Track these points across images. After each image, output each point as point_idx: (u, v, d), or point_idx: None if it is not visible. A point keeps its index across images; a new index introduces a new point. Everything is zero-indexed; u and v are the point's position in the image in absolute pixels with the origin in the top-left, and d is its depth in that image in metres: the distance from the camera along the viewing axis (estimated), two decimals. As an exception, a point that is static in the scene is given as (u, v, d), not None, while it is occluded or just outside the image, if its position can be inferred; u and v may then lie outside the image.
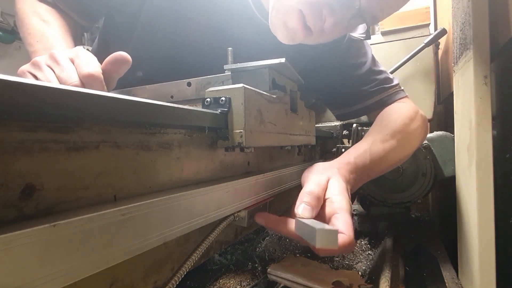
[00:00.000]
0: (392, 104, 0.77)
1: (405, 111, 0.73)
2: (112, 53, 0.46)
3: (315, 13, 0.55)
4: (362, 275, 0.54)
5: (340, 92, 0.81)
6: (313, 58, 0.78)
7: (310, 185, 0.47)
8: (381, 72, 0.80)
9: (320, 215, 0.45)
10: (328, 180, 0.50)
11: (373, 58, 0.81)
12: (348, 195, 0.49)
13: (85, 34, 2.88)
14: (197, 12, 0.68)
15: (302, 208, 0.43)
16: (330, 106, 0.94)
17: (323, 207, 0.46)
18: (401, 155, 0.68)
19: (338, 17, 0.56)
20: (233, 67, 0.48)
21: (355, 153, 0.61)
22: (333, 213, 0.44)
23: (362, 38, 0.64)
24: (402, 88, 0.80)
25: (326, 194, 0.47)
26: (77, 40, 0.69)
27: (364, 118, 1.06)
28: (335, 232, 0.35)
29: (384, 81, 0.79)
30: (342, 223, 0.42)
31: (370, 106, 0.78)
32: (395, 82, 0.80)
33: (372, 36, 1.21)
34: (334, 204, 0.45)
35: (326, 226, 0.37)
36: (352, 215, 0.46)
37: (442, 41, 1.17)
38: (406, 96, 0.79)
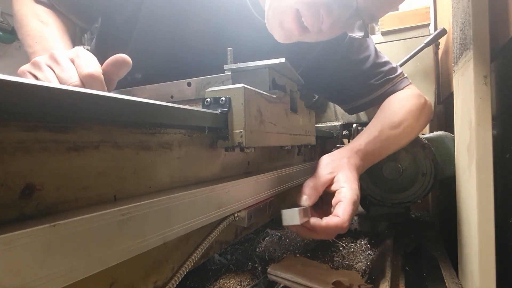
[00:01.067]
0: (396, 92, 0.79)
1: (411, 98, 0.76)
2: (111, 53, 0.46)
3: (313, 13, 0.55)
4: (362, 275, 0.54)
5: (346, 88, 0.83)
6: (314, 58, 0.78)
7: (310, 178, 0.54)
8: (385, 63, 0.81)
9: (329, 204, 0.52)
10: (332, 172, 0.55)
11: (375, 50, 0.81)
12: (356, 184, 0.54)
13: (85, 34, 2.88)
14: (196, 12, 0.68)
15: (299, 197, 0.51)
16: (338, 103, 0.96)
17: (332, 197, 0.52)
18: (406, 140, 0.73)
19: (335, 17, 0.56)
20: (233, 67, 0.48)
21: (366, 139, 0.65)
22: (338, 201, 0.50)
23: (361, 37, 0.65)
24: (406, 75, 0.82)
25: (335, 186, 0.53)
26: (77, 41, 0.69)
27: (364, 118, 1.06)
28: (296, 211, 0.41)
29: (388, 72, 0.80)
30: (340, 209, 0.49)
31: (377, 98, 0.80)
32: (399, 71, 0.82)
33: (372, 36, 1.21)
34: (340, 194, 0.51)
35: (293, 208, 0.42)
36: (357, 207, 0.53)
37: (442, 41, 1.17)
38: (410, 83, 0.81)
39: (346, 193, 0.51)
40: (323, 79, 0.82)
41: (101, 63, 0.46)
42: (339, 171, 0.55)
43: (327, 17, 0.55)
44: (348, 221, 0.48)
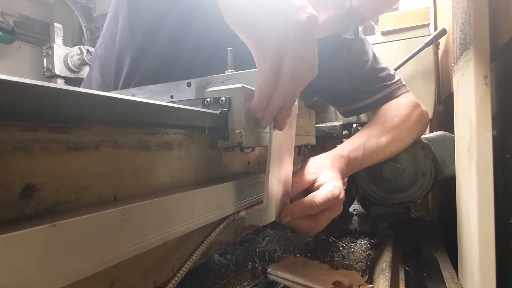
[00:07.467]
0: (392, 100, 0.79)
1: (403, 108, 0.76)
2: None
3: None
4: (362, 275, 0.54)
5: (344, 91, 0.83)
6: None
7: (292, 176, 0.54)
8: (383, 69, 0.81)
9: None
10: (315, 173, 0.56)
11: (374, 56, 0.82)
12: (340, 182, 0.55)
13: (85, 34, 2.89)
14: (197, 13, 0.68)
15: None
16: (333, 104, 0.96)
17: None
18: (393, 150, 0.73)
19: (330, 14, 0.59)
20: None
21: (350, 147, 0.66)
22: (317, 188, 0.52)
23: (350, 37, 0.66)
24: (404, 83, 0.82)
25: (319, 184, 0.53)
26: (77, 41, 0.69)
27: (364, 118, 1.06)
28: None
29: (385, 78, 0.80)
30: (319, 192, 0.50)
31: (373, 103, 0.80)
32: (397, 78, 0.82)
33: (372, 36, 1.22)
34: (324, 185, 0.52)
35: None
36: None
37: (442, 41, 1.17)
38: (407, 91, 0.81)
39: (328, 184, 0.52)
40: (322, 79, 0.82)
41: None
42: (323, 172, 0.56)
43: (323, 11, 0.58)
44: (341, 192, 0.50)
